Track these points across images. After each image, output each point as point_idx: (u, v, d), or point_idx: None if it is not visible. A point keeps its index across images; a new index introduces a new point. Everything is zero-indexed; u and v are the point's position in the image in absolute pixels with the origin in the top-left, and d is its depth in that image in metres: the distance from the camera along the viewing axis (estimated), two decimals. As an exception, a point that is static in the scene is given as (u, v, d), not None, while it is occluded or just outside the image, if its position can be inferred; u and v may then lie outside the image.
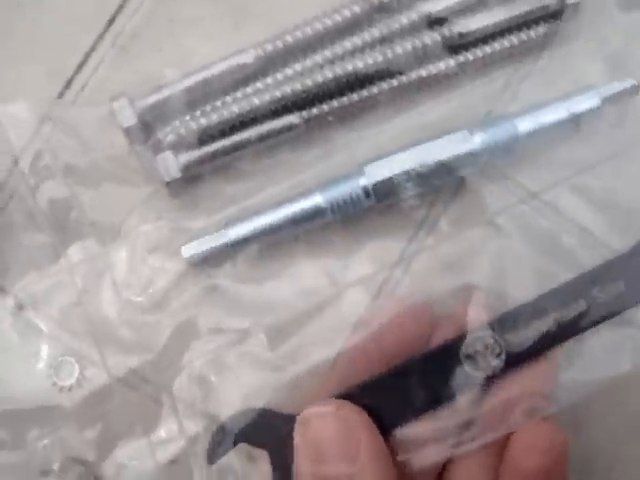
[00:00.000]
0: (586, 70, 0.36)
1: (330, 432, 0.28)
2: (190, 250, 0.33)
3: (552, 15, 0.36)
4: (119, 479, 0.32)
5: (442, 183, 0.34)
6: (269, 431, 0.30)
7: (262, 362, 0.32)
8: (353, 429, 0.28)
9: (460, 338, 0.30)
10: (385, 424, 0.29)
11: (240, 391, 0.31)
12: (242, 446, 0.30)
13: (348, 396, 0.30)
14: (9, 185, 0.34)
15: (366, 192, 0.33)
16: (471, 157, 0.34)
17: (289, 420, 0.29)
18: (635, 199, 0.34)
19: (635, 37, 0.37)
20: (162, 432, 0.32)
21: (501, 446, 0.30)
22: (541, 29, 0.36)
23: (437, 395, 0.30)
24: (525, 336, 0.30)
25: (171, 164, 0.33)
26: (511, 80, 0.36)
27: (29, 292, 0.33)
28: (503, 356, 0.30)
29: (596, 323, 0.30)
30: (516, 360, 0.30)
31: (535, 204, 0.35)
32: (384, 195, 0.33)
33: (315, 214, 0.33)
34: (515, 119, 0.34)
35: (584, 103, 0.35)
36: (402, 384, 0.30)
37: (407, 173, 0.33)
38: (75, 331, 0.33)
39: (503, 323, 0.30)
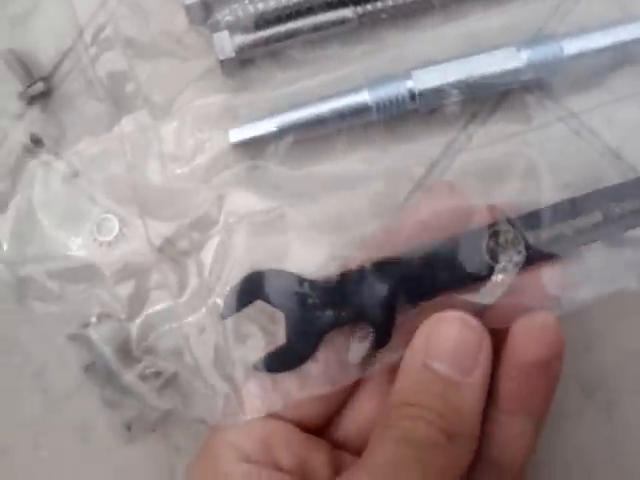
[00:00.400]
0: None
1: (459, 338, 0.30)
2: (237, 134, 0.34)
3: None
4: (147, 339, 0.34)
5: (486, 95, 0.35)
6: (283, 291, 0.32)
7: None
8: (479, 346, 0.30)
9: (486, 229, 0.31)
10: (412, 296, 0.31)
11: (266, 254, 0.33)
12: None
13: (383, 264, 0.31)
14: (73, 54, 0.36)
15: (412, 95, 0.34)
16: (516, 73, 0.34)
17: (301, 281, 0.32)
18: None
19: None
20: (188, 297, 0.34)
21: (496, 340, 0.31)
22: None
23: (458, 279, 0.31)
24: (545, 237, 0.31)
25: (226, 43, 0.34)
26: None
27: (82, 157, 0.35)
28: (524, 252, 0.31)
29: (610, 234, 0.32)
30: (534, 258, 0.31)
31: (573, 124, 0.36)
32: (429, 100, 0.34)
33: (360, 110, 0.34)
34: (562, 41, 0.35)
35: (632, 33, 0.35)
36: (430, 263, 0.31)
37: (453, 83, 0.34)
38: (121, 196, 0.34)
39: (525, 221, 0.31)
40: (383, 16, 0.35)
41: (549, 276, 0.31)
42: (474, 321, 0.30)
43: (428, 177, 0.36)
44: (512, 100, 0.36)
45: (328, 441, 0.32)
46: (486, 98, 0.36)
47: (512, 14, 0.36)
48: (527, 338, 0.31)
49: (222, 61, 0.34)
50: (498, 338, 0.31)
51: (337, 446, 0.32)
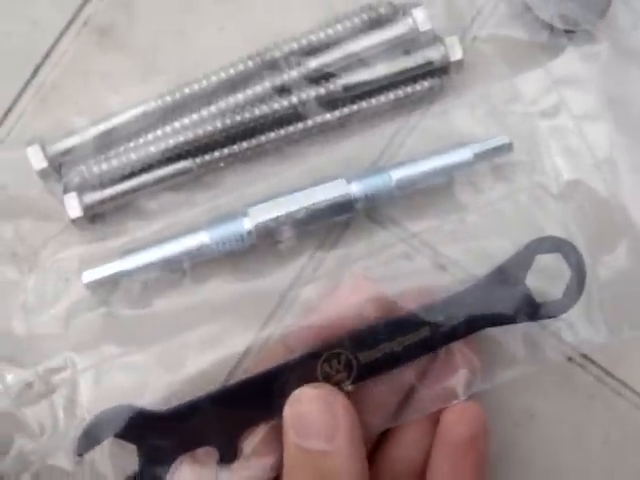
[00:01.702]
0: (469, 124, 0.39)
1: (315, 413, 0.33)
2: (89, 276, 0.37)
3: (438, 70, 0.40)
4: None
5: (320, 226, 0.38)
6: (131, 426, 0.35)
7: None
8: (335, 414, 0.33)
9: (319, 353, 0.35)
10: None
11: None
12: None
13: (217, 394, 0.35)
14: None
15: (249, 231, 0.37)
16: (348, 203, 0.37)
17: (161, 418, 0.35)
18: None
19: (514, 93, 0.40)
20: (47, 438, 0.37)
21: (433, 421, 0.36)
22: (427, 83, 0.40)
23: None
24: (375, 355, 0.35)
25: (75, 203, 0.38)
26: (398, 132, 0.40)
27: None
28: (355, 372, 0.35)
29: (437, 347, 0.35)
30: (364, 376, 0.35)
31: (414, 243, 0.38)
32: (266, 235, 0.37)
33: (202, 249, 0.37)
34: (390, 170, 0.38)
35: (457, 157, 0.38)
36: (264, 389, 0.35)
37: (285, 216, 0.37)
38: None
39: (357, 341, 0.35)
40: (221, 164, 0.39)
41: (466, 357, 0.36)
42: (328, 392, 0.34)
43: (277, 309, 0.38)
44: (355, 227, 0.39)
45: None
46: (328, 228, 0.39)
47: (347, 151, 0.39)
48: (452, 421, 0.35)
49: (73, 220, 0.38)
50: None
51: None
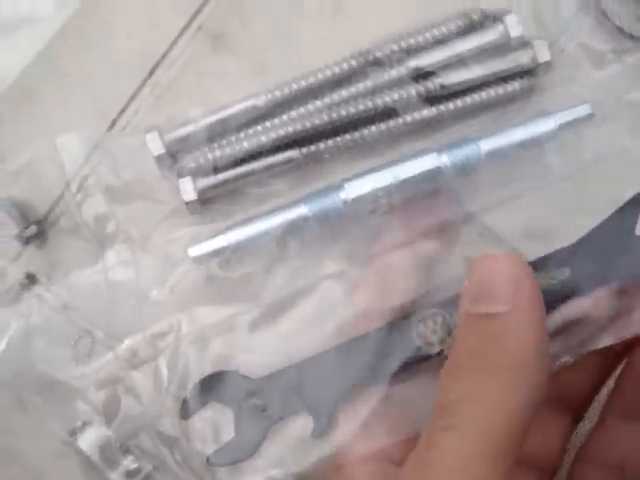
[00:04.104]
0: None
1: (495, 273, 0.30)
2: (195, 250, 0.39)
3: (526, 72, 0.42)
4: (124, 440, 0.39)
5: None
6: (230, 392, 0.37)
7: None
8: (517, 272, 0.30)
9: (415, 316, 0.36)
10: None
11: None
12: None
13: (317, 359, 0.37)
14: (62, 202, 0.42)
15: (344, 202, 0.39)
16: (438, 173, 0.39)
17: (251, 383, 0.37)
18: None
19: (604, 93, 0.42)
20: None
21: None
22: (517, 84, 0.42)
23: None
24: None
25: (190, 187, 0.40)
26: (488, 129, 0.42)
27: (70, 288, 0.41)
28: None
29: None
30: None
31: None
32: (360, 207, 0.39)
33: (300, 222, 0.39)
34: (479, 140, 0.40)
35: (541, 127, 0.40)
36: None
37: (381, 188, 0.39)
38: (99, 318, 0.40)
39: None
40: (325, 155, 0.41)
41: None
42: (512, 256, 0.31)
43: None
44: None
45: None
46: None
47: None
48: None
49: (187, 203, 0.40)
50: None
51: None
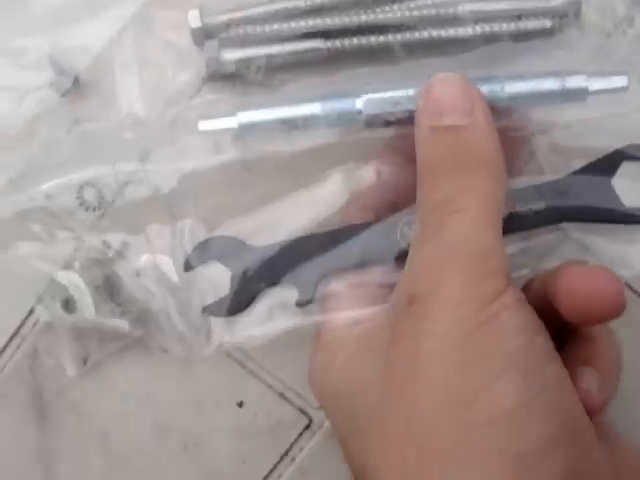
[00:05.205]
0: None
1: (451, 90, 0.35)
2: (205, 125, 0.41)
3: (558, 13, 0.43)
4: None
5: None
6: (229, 255, 0.41)
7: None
8: (470, 92, 0.35)
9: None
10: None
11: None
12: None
13: (310, 238, 0.41)
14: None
15: (358, 111, 0.40)
16: None
17: (248, 249, 0.41)
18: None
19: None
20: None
21: None
22: (547, 21, 0.43)
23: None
24: None
25: (196, 16, 0.42)
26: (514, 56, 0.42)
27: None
28: None
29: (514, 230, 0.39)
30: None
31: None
32: (373, 119, 0.40)
33: (310, 119, 0.40)
34: (505, 81, 0.39)
35: (574, 82, 0.39)
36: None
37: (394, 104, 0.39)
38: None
39: None
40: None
41: None
42: (461, 75, 0.36)
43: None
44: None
45: None
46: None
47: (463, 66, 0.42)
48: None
49: (193, 29, 0.42)
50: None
51: None
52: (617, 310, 0.33)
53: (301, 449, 0.46)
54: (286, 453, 0.46)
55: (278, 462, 0.46)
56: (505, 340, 0.32)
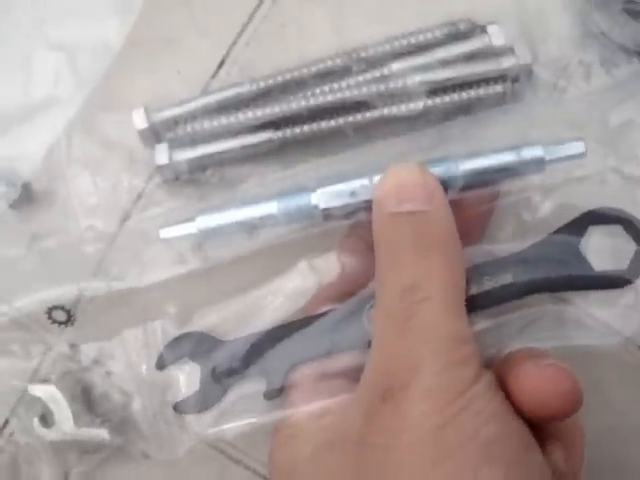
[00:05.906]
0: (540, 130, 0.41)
1: (410, 178, 0.35)
2: (166, 233, 0.41)
3: (510, 79, 0.43)
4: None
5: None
6: (200, 352, 0.41)
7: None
8: (428, 177, 0.35)
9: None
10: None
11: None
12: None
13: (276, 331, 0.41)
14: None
15: (315, 208, 0.39)
16: None
17: (217, 343, 0.41)
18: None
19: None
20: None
21: None
22: (499, 87, 0.43)
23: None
24: None
25: (163, 151, 0.42)
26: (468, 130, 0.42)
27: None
28: None
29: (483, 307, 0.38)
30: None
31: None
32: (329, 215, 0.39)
33: (267, 219, 0.40)
34: (459, 160, 0.38)
35: (530, 154, 0.38)
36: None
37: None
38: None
39: None
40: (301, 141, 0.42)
41: None
42: (418, 165, 0.36)
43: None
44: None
45: None
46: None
47: (417, 142, 0.42)
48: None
49: (159, 167, 0.43)
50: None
51: None
52: (573, 409, 0.34)
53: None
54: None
55: None
56: (480, 430, 0.32)
